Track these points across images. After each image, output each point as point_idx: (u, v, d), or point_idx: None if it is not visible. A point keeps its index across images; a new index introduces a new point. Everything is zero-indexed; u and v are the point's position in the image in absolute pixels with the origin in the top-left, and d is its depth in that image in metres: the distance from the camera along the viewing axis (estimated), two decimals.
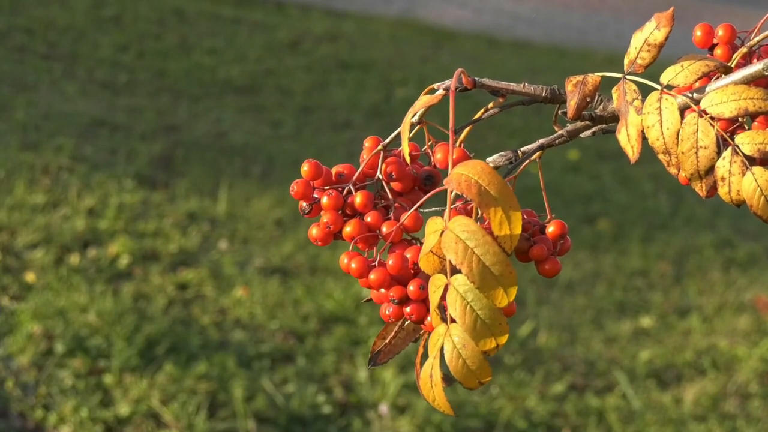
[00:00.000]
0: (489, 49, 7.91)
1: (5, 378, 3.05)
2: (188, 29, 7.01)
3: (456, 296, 0.77)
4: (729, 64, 0.90)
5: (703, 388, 3.49)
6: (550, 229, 0.92)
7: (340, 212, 0.89)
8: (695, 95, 0.85)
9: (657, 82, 0.86)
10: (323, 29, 7.51)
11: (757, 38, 0.90)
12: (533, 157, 0.91)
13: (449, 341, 0.78)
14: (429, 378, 0.81)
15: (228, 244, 4.02)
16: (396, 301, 0.86)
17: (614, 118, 0.91)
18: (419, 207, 0.87)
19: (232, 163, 4.82)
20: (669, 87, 0.85)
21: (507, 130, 5.91)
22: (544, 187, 0.98)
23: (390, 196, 0.90)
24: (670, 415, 3.33)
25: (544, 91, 0.91)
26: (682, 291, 4.21)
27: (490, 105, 0.91)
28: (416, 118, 0.89)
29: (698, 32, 0.92)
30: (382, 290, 0.87)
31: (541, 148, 0.91)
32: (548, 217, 0.93)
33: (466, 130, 0.91)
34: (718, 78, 0.88)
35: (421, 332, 0.90)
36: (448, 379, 0.81)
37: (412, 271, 0.86)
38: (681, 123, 0.84)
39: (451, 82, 0.86)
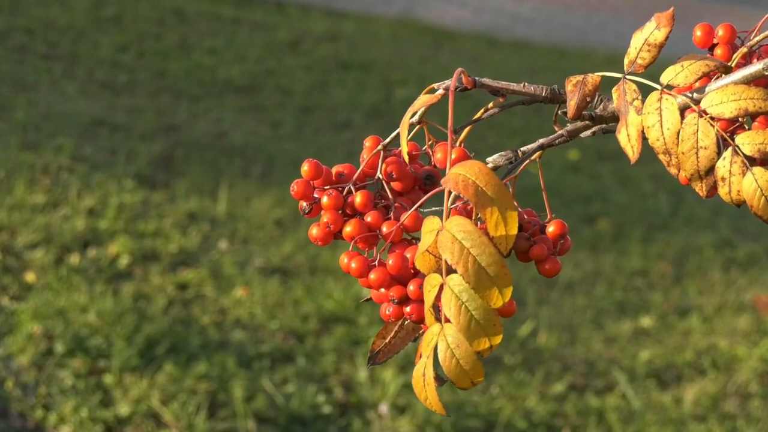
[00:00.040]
0: (489, 49, 7.91)
1: (5, 378, 3.05)
2: (188, 29, 7.01)
3: (451, 296, 0.77)
4: (729, 64, 0.90)
5: (703, 388, 3.49)
6: (551, 228, 0.92)
7: (340, 212, 0.89)
8: (695, 95, 0.85)
9: (657, 82, 0.86)
10: (323, 29, 7.52)
11: (757, 38, 0.90)
12: (533, 157, 0.91)
13: (443, 341, 0.78)
14: (422, 377, 0.81)
15: (228, 244, 4.02)
16: (396, 300, 0.86)
17: (614, 118, 0.91)
18: (419, 207, 0.87)
19: (232, 163, 4.82)
20: (669, 87, 0.85)
21: (507, 130, 5.91)
22: (544, 187, 0.98)
23: (390, 195, 0.90)
24: (670, 415, 3.33)
25: (544, 91, 0.91)
26: (682, 291, 4.21)
27: (490, 105, 0.91)
28: (416, 117, 0.89)
29: (698, 32, 0.92)
30: (382, 290, 0.87)
31: (541, 148, 0.91)
32: (548, 216, 0.93)
33: (466, 129, 0.91)
34: (718, 78, 0.88)
35: (421, 332, 0.90)
36: (440, 378, 0.81)
37: (412, 271, 0.86)
38: (681, 123, 0.84)
39: (451, 82, 0.86)
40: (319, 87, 6.36)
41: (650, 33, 0.88)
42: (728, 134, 0.84)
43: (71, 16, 6.82)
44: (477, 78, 0.88)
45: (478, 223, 0.85)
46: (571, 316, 3.88)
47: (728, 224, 4.91)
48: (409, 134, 0.86)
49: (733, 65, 0.90)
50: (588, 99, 0.87)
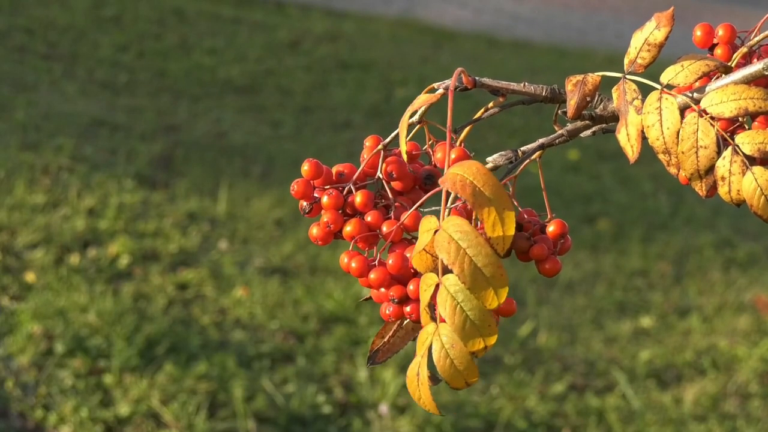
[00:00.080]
0: (489, 49, 7.91)
1: (5, 378, 3.05)
2: (188, 29, 7.01)
3: (446, 296, 0.77)
4: (729, 63, 0.90)
5: (703, 388, 3.49)
6: (551, 228, 0.92)
7: (340, 212, 0.89)
8: (695, 95, 0.85)
9: (657, 81, 0.86)
10: (323, 29, 7.52)
11: (757, 38, 0.90)
12: (533, 157, 0.91)
13: (438, 341, 0.78)
14: (416, 377, 0.81)
15: (228, 244, 4.02)
16: (396, 300, 0.86)
17: (614, 117, 0.91)
18: (419, 206, 0.87)
19: (232, 163, 4.82)
20: (669, 87, 0.85)
21: (507, 129, 5.91)
22: (545, 186, 0.98)
23: (390, 195, 0.90)
24: (670, 415, 3.33)
25: (544, 90, 0.91)
26: (682, 291, 4.21)
27: (490, 104, 0.91)
28: (416, 117, 0.89)
29: (698, 32, 0.92)
30: (382, 289, 0.87)
31: (541, 147, 0.91)
32: (548, 216, 0.93)
33: (466, 129, 0.91)
34: (718, 78, 0.88)
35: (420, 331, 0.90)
36: (434, 378, 0.80)
37: (412, 271, 0.86)
38: (681, 123, 0.84)
39: (451, 82, 0.86)
40: (319, 87, 6.36)
41: (650, 33, 0.88)
42: (728, 134, 0.84)
43: (71, 16, 6.82)
44: (477, 78, 0.88)
45: (477, 223, 0.85)
46: (571, 316, 3.88)
47: (728, 224, 4.91)
48: (408, 134, 0.86)
49: (733, 65, 0.90)
50: (588, 99, 0.87)
